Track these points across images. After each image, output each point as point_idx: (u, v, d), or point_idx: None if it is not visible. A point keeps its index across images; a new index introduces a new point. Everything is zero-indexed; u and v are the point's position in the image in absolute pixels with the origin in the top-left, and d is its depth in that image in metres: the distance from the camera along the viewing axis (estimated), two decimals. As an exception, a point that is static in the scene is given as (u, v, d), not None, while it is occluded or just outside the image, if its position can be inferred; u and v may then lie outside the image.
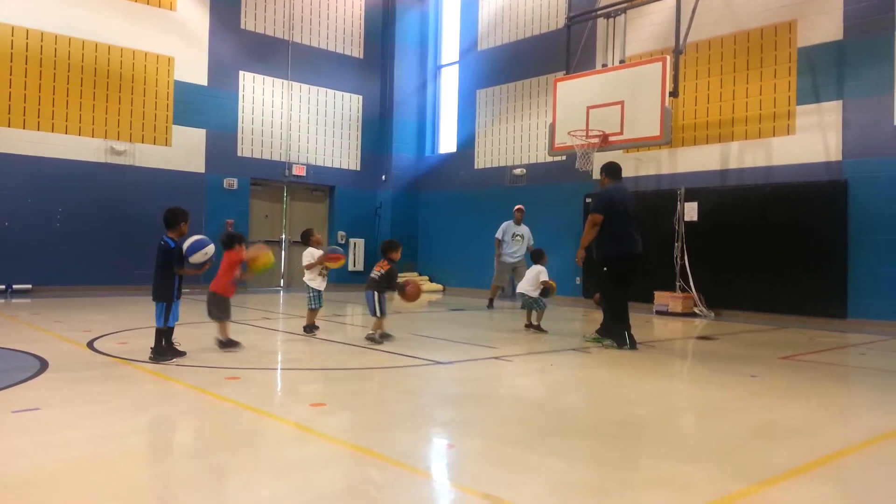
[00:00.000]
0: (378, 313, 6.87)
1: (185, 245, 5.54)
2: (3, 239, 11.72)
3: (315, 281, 7.41)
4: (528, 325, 8.39)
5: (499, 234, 11.79)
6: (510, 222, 11.80)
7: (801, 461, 3.29)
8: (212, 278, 6.30)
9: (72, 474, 2.89)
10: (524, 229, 11.70)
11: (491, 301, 11.88)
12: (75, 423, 3.69)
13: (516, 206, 11.90)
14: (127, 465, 3.05)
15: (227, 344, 6.13)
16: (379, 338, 6.89)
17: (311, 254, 7.41)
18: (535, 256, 8.62)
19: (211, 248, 5.58)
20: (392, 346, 6.67)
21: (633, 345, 6.92)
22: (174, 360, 5.52)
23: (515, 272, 11.48)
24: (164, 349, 5.54)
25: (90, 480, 2.82)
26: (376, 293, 6.85)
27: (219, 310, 6.16)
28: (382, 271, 6.90)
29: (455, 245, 15.77)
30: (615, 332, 7.05)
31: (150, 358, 5.50)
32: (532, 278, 8.24)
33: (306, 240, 7.58)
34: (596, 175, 11.80)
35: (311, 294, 7.42)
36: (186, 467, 3.11)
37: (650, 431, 3.93)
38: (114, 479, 2.85)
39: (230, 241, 6.37)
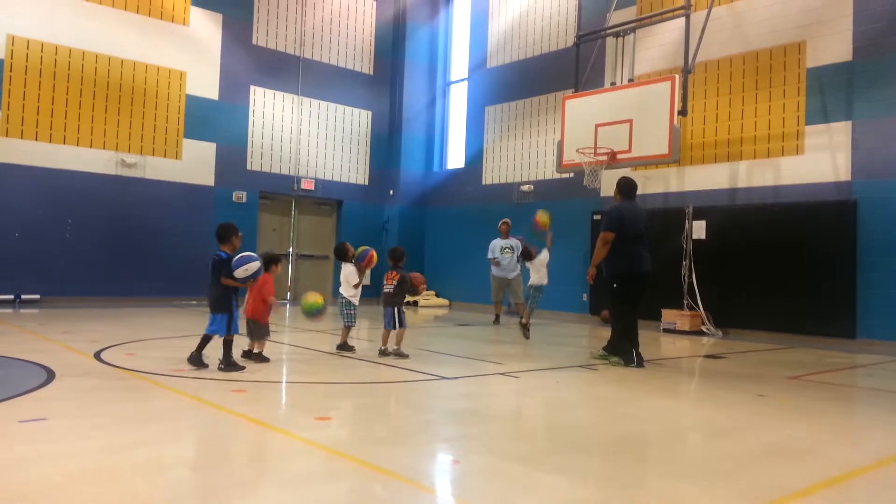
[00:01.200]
0: (396, 325, 6.82)
1: (234, 259, 5.71)
2: (13, 249, 11.78)
3: (357, 296, 7.18)
4: (524, 325, 9.02)
5: (489, 254, 11.71)
6: (497, 239, 11.74)
7: (808, 482, 3.27)
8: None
9: (77, 485, 2.90)
10: (512, 241, 11.57)
11: (497, 317, 11.86)
12: (81, 434, 3.71)
13: (502, 221, 11.90)
14: (132, 476, 3.05)
15: (257, 357, 6.30)
16: (390, 351, 6.87)
17: (353, 271, 7.13)
18: (526, 256, 8.95)
19: (253, 266, 5.69)
20: (398, 361, 6.67)
21: (640, 362, 6.89)
22: (236, 371, 5.66)
23: (510, 287, 11.44)
24: (231, 358, 5.73)
25: (95, 491, 2.83)
26: (395, 308, 6.81)
27: (253, 332, 6.37)
28: (394, 283, 6.88)
29: (462, 260, 15.76)
30: (623, 350, 7.02)
31: (220, 368, 5.68)
32: (540, 266, 8.80)
33: (343, 255, 7.23)
34: (604, 193, 11.92)
35: (351, 310, 7.15)
36: (191, 480, 3.11)
37: (656, 450, 3.91)
38: (119, 490, 2.86)
39: (266, 263, 6.38)
